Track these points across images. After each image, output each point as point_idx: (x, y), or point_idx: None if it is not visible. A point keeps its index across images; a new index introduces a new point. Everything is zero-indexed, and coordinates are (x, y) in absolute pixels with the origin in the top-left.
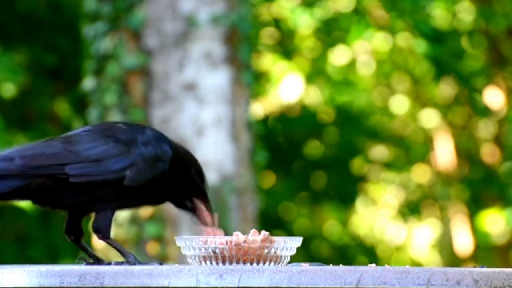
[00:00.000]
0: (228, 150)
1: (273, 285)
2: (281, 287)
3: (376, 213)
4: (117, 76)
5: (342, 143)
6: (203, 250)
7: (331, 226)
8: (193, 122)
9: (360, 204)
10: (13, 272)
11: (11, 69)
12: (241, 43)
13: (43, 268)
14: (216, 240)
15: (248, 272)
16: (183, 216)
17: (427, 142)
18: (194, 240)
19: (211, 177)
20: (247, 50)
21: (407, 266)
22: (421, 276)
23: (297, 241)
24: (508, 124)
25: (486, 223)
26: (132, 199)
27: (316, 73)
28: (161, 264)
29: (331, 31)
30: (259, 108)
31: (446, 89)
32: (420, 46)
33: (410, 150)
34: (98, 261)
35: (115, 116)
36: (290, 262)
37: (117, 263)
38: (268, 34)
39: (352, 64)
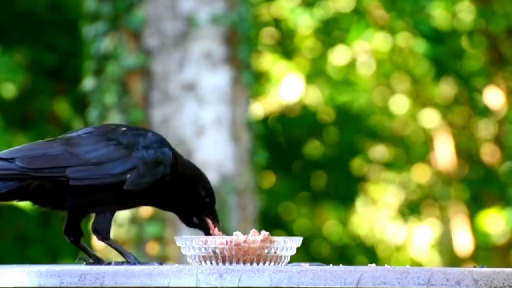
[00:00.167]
0: (228, 150)
1: (273, 285)
2: (281, 287)
3: (376, 213)
4: (117, 76)
5: (342, 143)
6: (203, 250)
7: (331, 226)
8: (193, 122)
9: (360, 204)
10: (13, 272)
11: (11, 69)
12: (241, 43)
13: (43, 268)
14: (216, 240)
15: (248, 272)
16: None
17: (427, 142)
18: (194, 240)
19: (211, 177)
20: (247, 50)
21: (407, 266)
22: (421, 276)
23: (297, 241)
24: (508, 124)
25: (486, 223)
26: (132, 202)
27: (316, 73)
28: (161, 264)
29: (331, 31)
30: (259, 108)
31: (446, 89)
32: (420, 46)
33: (410, 150)
34: (98, 261)
35: (115, 116)
36: (290, 262)
37: (117, 263)
38: (268, 34)
39: (352, 64)
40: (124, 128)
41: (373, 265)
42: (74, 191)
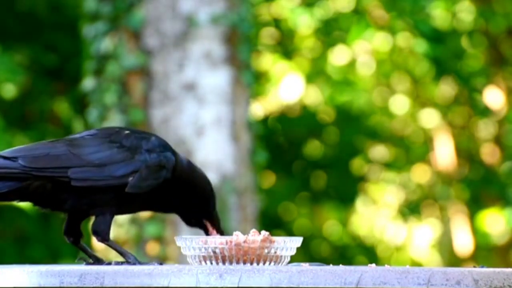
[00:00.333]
0: (228, 150)
1: (273, 285)
2: (281, 287)
3: (376, 213)
4: (117, 76)
5: (342, 143)
6: (203, 250)
7: (331, 226)
8: (193, 122)
9: (360, 204)
10: (13, 272)
11: (11, 69)
12: (241, 43)
13: (43, 268)
14: (216, 240)
15: (248, 272)
16: None
17: (427, 142)
18: (194, 240)
19: (211, 177)
20: (247, 50)
21: (407, 266)
22: (421, 276)
23: (297, 241)
24: (508, 124)
25: (486, 223)
26: (133, 206)
27: (316, 73)
28: (161, 264)
29: (331, 31)
30: (259, 108)
31: (446, 89)
32: (420, 46)
33: (410, 150)
34: (98, 261)
35: (115, 116)
36: (290, 262)
37: (117, 263)
38: (268, 34)
39: (352, 64)
40: (127, 131)
41: (373, 265)
42: (75, 192)
